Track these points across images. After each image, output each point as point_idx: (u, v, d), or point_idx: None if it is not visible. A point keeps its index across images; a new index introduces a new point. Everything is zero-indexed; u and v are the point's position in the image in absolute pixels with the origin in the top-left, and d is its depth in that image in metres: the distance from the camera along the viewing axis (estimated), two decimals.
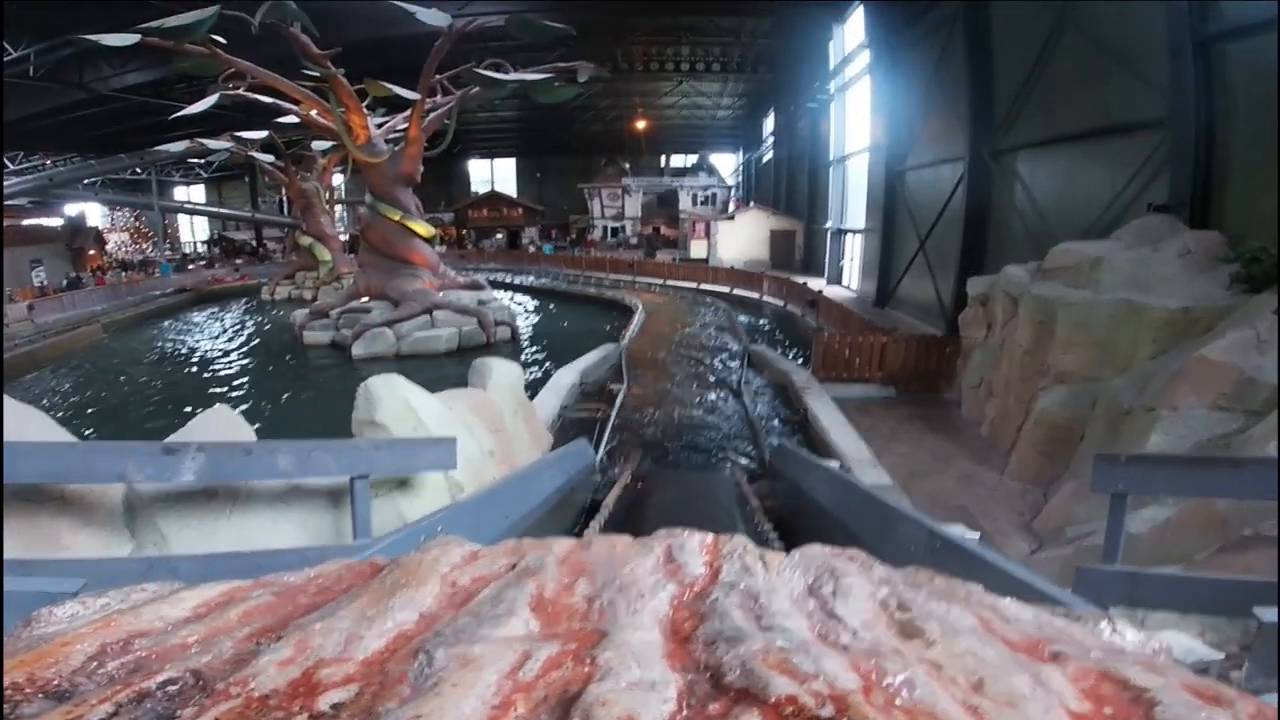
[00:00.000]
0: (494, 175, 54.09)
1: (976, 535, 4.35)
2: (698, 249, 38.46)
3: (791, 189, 36.65)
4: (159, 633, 0.86)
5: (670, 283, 30.77)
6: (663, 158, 51.07)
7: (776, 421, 11.06)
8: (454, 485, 4.51)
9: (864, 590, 0.84)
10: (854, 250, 25.50)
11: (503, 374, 6.71)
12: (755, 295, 26.01)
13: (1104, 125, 11.06)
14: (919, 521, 2.97)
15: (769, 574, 0.93)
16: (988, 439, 9.46)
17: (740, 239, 36.44)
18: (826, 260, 28.67)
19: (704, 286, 29.01)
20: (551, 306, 27.61)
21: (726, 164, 50.24)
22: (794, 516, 5.70)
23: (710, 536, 1.07)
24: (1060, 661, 0.65)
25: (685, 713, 0.68)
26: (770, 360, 14.06)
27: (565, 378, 11.98)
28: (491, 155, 53.16)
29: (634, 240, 44.01)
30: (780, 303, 23.68)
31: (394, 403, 4.44)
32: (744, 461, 8.99)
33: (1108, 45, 10.82)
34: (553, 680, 0.73)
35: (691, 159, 47.86)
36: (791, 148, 36.37)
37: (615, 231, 45.45)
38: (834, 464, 6.20)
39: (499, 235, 49.25)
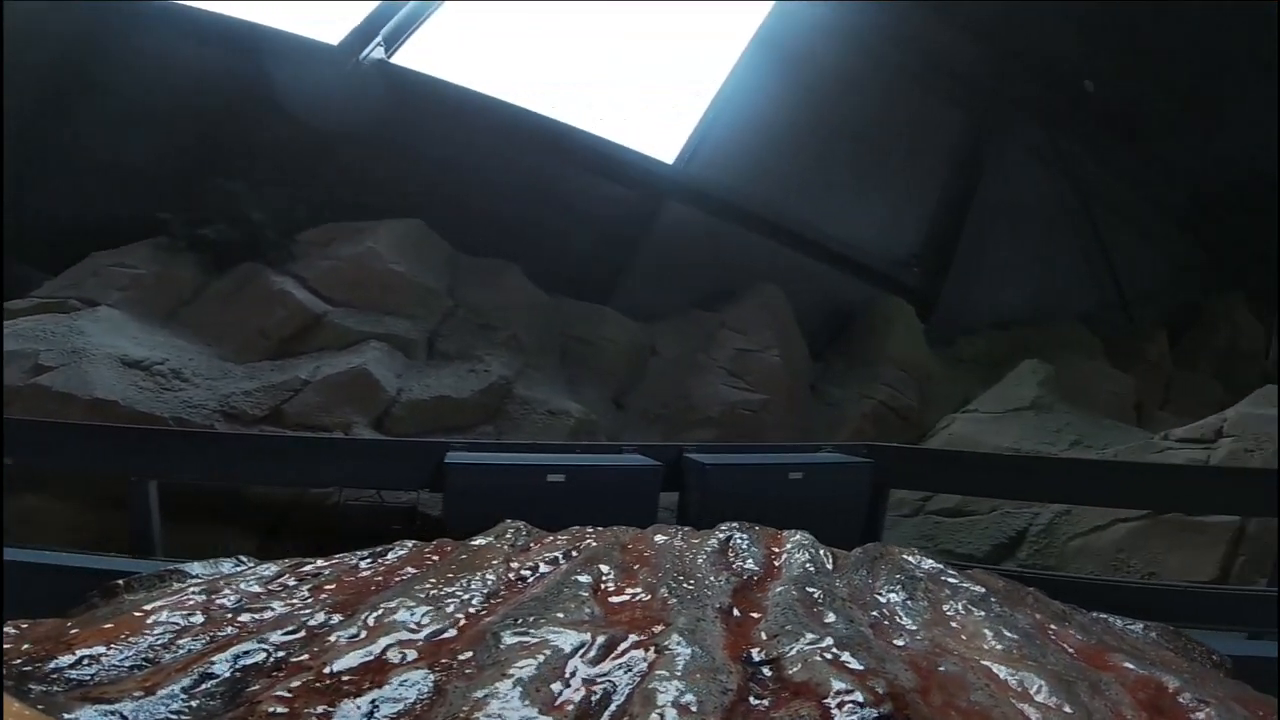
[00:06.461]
0: None
1: None
2: None
3: None
4: (235, 607, 0.87)
5: None
6: None
7: None
8: None
9: (925, 590, 0.87)
10: None
11: None
12: None
13: None
14: None
15: (830, 569, 0.97)
16: None
17: None
18: None
19: None
20: None
21: None
22: None
23: (771, 530, 1.10)
24: (1117, 670, 0.69)
25: (745, 703, 0.70)
26: None
27: None
28: None
29: None
30: None
31: None
32: None
33: None
34: (616, 664, 0.76)
35: None
36: None
37: None
38: None
39: None
